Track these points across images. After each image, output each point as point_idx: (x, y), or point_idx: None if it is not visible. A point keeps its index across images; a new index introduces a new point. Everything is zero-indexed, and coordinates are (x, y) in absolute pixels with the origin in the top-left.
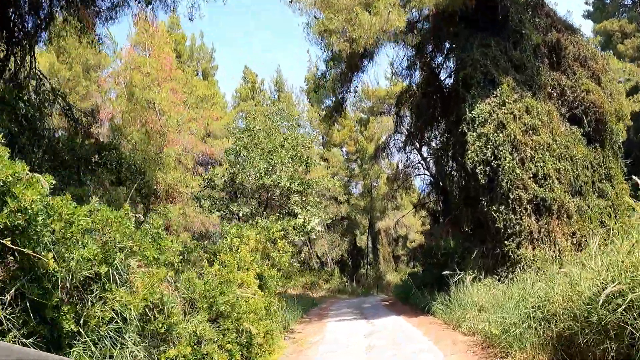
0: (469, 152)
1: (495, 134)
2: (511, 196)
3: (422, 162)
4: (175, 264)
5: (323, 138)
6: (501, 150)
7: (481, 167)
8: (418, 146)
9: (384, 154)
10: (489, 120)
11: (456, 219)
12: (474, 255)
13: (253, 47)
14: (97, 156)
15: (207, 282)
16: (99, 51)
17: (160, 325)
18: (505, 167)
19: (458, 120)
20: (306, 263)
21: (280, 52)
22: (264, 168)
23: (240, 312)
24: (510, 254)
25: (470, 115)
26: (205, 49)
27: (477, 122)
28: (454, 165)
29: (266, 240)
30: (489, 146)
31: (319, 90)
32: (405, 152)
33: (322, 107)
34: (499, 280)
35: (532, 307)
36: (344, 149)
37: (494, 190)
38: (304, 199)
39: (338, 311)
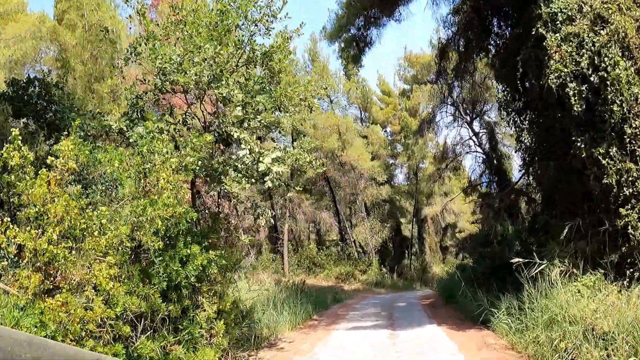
0: (551, 64)
1: (593, 33)
2: (628, 130)
3: (473, 137)
4: None
5: (361, 113)
6: (605, 56)
7: (573, 84)
8: (469, 119)
9: (430, 128)
10: (578, 16)
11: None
12: (562, 235)
13: None
14: None
15: None
16: None
17: None
18: (616, 80)
19: (527, 29)
20: (343, 251)
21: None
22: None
23: None
24: (630, 230)
25: (549, 9)
26: None
27: (560, 19)
28: (523, 101)
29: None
30: (583, 52)
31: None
32: (454, 127)
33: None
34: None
35: None
36: (387, 129)
37: (595, 123)
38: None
39: (361, 312)
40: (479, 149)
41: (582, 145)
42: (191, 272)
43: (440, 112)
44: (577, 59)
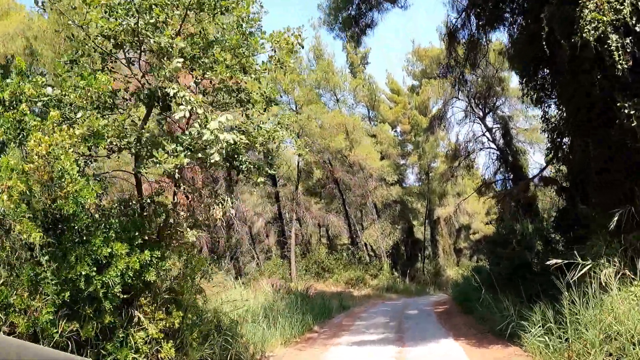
0: (585, 14)
1: None
2: None
3: (486, 133)
4: None
5: (369, 112)
6: None
7: (615, 37)
8: (481, 114)
9: (441, 124)
10: None
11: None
12: (610, 226)
13: None
14: None
15: None
16: None
17: None
18: None
19: None
20: (353, 255)
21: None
22: None
23: None
24: None
25: None
26: None
27: None
28: (550, 71)
29: None
30: None
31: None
32: (466, 123)
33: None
34: None
35: None
36: (397, 129)
37: None
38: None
39: (367, 322)
40: (492, 145)
41: (630, 112)
42: (113, 278)
43: (451, 108)
44: (617, 7)
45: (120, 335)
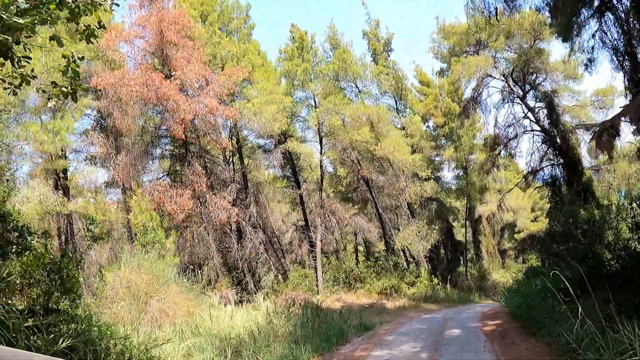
0: None
1: None
2: None
3: (528, 114)
4: None
5: (397, 102)
6: None
7: None
8: (521, 93)
9: (476, 106)
10: None
11: None
12: None
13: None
14: None
15: None
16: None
17: None
18: None
19: None
20: (387, 261)
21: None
22: None
23: None
24: None
25: None
26: (240, 7)
27: None
28: None
29: None
30: None
31: None
32: (504, 105)
33: None
34: None
35: None
36: (429, 123)
37: None
38: None
39: (390, 351)
40: (536, 127)
41: None
42: None
43: (486, 88)
44: None
45: None
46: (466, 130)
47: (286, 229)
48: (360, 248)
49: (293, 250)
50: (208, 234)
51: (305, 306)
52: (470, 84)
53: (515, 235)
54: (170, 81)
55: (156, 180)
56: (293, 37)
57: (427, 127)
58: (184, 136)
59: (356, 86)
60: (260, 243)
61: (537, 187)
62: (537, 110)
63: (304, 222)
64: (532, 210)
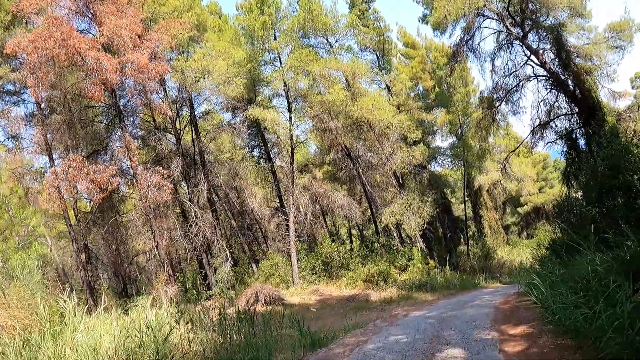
0: None
1: None
2: None
3: (532, 57)
4: None
5: (379, 60)
6: None
7: None
8: (520, 32)
9: (467, 52)
10: None
11: None
12: None
13: None
14: None
15: None
16: None
17: None
18: None
19: None
20: (374, 243)
21: None
22: None
23: None
24: None
25: None
26: None
27: None
28: None
29: None
30: None
31: None
32: (501, 49)
33: None
34: None
35: None
36: (419, 88)
37: None
38: None
39: None
40: (541, 72)
41: None
42: None
43: (479, 31)
44: None
45: None
46: (458, 79)
47: (271, 214)
48: (354, 232)
49: (280, 239)
50: (138, 218)
51: (240, 312)
52: (458, 26)
53: (519, 209)
54: (94, 37)
55: (71, 156)
56: None
57: (417, 93)
58: (104, 99)
59: (327, 42)
60: (210, 228)
61: (549, 142)
62: (541, 52)
63: (279, 203)
64: (539, 179)
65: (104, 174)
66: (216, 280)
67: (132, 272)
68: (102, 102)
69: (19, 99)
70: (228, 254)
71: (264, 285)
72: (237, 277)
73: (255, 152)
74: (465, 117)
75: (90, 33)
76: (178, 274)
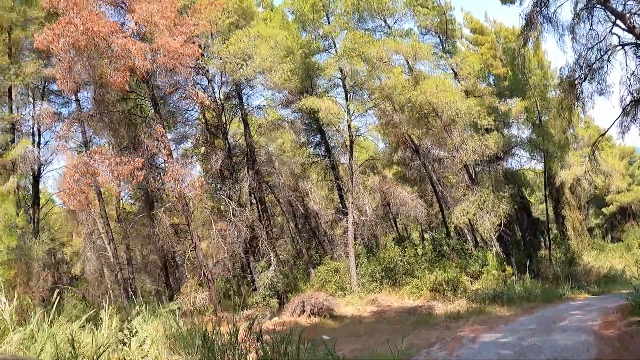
0: None
1: None
2: None
3: (617, 23)
4: None
5: (442, 41)
6: None
7: None
8: None
9: (542, 21)
10: None
11: None
12: None
13: None
14: None
15: None
16: None
17: None
18: None
19: None
20: (442, 246)
21: None
22: None
23: None
24: None
25: None
26: None
27: None
28: None
29: None
30: None
31: None
32: (580, 14)
33: None
34: None
35: None
36: (490, 78)
37: None
38: None
39: None
40: (629, 37)
41: None
42: None
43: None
44: None
45: None
46: (533, 59)
47: (334, 216)
48: (426, 236)
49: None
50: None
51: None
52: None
53: (604, 209)
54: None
55: (95, 147)
56: None
57: (489, 82)
58: (125, 87)
59: (385, 23)
60: (247, 226)
61: None
62: (627, 15)
63: (340, 204)
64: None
65: (125, 167)
66: (260, 287)
67: (182, 274)
68: (133, 92)
69: (67, 99)
70: (272, 257)
71: (314, 294)
72: (292, 283)
73: (314, 149)
74: (544, 102)
75: (127, 26)
76: (220, 278)
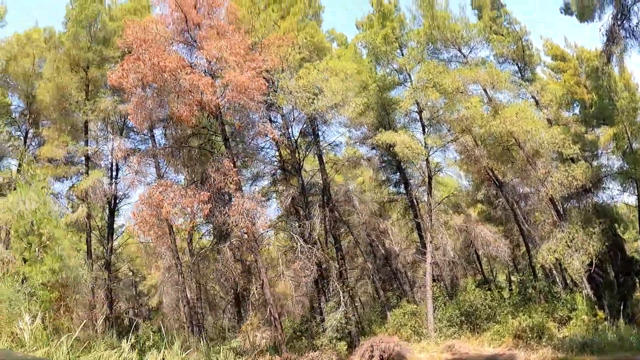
0: None
1: None
2: None
3: None
4: None
5: (520, 68)
6: None
7: None
8: None
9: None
10: None
11: None
12: None
13: None
14: None
15: None
16: None
17: None
18: None
19: None
20: (527, 288)
21: None
22: None
23: None
24: None
25: None
26: None
27: None
28: None
29: None
30: None
31: None
32: None
33: None
34: None
35: None
36: (575, 106)
37: None
38: None
39: None
40: None
41: None
42: None
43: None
44: None
45: None
46: (619, 81)
47: (413, 257)
48: (516, 280)
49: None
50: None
51: None
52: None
53: None
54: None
55: (160, 180)
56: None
57: (572, 111)
58: (192, 121)
59: (461, 53)
60: (314, 264)
61: None
62: None
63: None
64: None
65: (189, 199)
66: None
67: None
68: (204, 128)
69: (145, 135)
70: (342, 298)
71: (385, 338)
72: (367, 326)
73: (394, 187)
74: (633, 128)
75: (198, 63)
76: (287, 318)
